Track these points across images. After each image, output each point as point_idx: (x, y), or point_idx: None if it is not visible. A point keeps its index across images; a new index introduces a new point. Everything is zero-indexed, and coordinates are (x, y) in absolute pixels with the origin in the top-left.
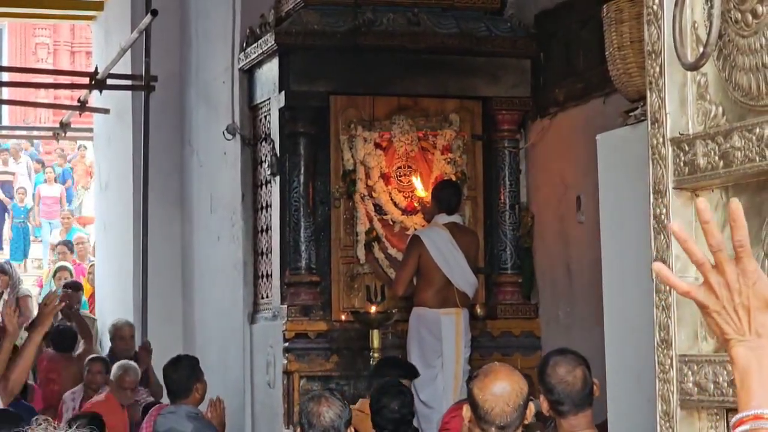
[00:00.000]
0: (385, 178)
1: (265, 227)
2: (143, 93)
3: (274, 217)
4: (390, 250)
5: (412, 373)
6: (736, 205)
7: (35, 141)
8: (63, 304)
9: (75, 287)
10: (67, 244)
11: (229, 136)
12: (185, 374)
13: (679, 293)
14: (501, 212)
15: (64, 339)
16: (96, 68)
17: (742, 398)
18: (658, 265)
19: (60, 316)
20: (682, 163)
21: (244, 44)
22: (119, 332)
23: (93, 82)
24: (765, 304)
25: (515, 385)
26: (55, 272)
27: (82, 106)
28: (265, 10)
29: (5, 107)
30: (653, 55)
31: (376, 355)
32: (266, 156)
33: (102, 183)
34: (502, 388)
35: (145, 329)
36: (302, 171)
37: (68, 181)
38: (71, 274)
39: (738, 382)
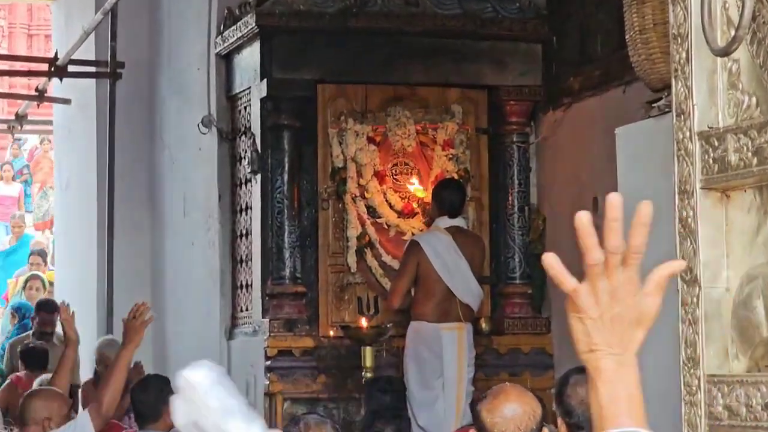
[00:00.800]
0: (379, 176)
1: (244, 232)
2: (108, 81)
3: (254, 221)
4: (384, 258)
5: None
6: (646, 205)
7: None
8: (152, 316)
9: (48, 308)
10: (41, 254)
11: (205, 130)
12: (154, 396)
13: (565, 290)
14: (509, 215)
15: (36, 358)
16: (56, 53)
17: (609, 413)
18: (549, 257)
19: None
20: (711, 160)
21: (222, 27)
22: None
23: (52, 69)
24: (640, 319)
25: (527, 407)
26: (26, 282)
27: (41, 96)
28: None
29: None
30: (679, 39)
31: (368, 374)
32: (246, 152)
33: (62, 182)
34: (513, 410)
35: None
36: (286, 168)
37: (26, 179)
38: (44, 285)
39: (603, 397)
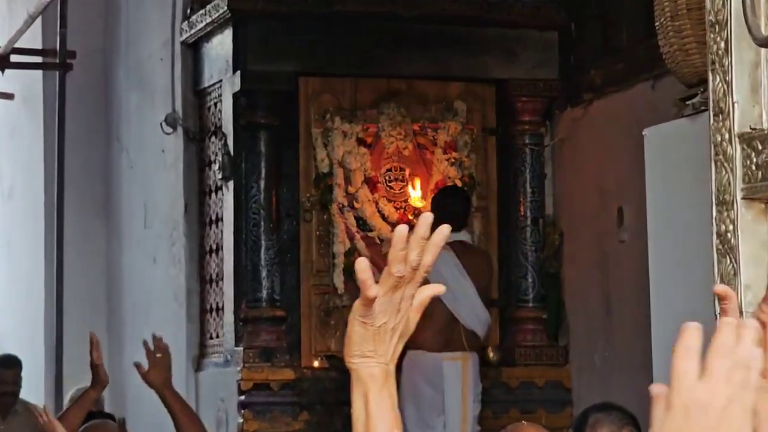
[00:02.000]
0: (370, 183)
1: (214, 247)
2: (57, 73)
3: (226, 234)
4: (376, 277)
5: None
6: (445, 228)
7: None
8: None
9: (7, 364)
10: None
11: (169, 129)
12: None
13: (367, 295)
14: (521, 228)
15: None
16: None
17: (377, 422)
18: (361, 261)
19: None
20: (753, 166)
21: (188, 11)
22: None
23: None
24: (405, 334)
25: None
26: None
27: None
28: None
29: None
30: (717, 27)
31: None
32: (216, 155)
33: (4, 189)
34: None
35: (59, 378)
36: (263, 174)
37: None
38: None
39: (372, 405)
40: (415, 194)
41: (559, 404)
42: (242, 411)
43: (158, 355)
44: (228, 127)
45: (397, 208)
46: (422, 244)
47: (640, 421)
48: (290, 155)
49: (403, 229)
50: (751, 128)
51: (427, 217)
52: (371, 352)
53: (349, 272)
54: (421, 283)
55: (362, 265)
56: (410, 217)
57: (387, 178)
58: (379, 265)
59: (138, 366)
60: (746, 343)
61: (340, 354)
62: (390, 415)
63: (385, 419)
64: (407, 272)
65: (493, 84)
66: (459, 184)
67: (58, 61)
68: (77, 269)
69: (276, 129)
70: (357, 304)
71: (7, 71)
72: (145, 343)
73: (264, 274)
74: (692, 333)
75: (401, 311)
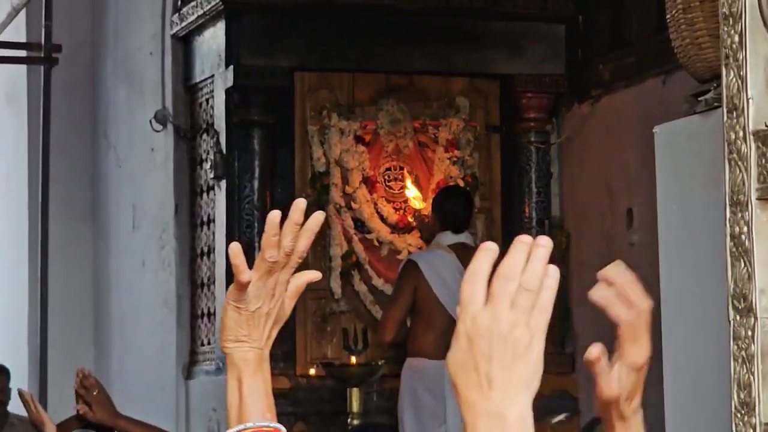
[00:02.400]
0: (369, 183)
1: (206, 249)
2: (43, 68)
3: (218, 236)
4: (375, 281)
5: None
6: (320, 214)
7: None
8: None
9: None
10: None
11: (159, 127)
12: None
13: (240, 280)
14: (525, 230)
15: None
16: None
17: (251, 406)
18: (234, 246)
19: None
20: None
21: (179, 2)
22: None
23: None
24: (280, 319)
25: None
26: None
27: None
28: None
29: None
30: (731, 20)
31: (355, 421)
32: (208, 153)
33: None
34: None
35: (43, 387)
36: (257, 174)
37: None
38: None
39: (246, 389)
40: (416, 194)
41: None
42: None
43: (95, 393)
44: (220, 124)
45: (396, 209)
46: (295, 230)
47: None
48: (285, 154)
49: (275, 214)
50: (766, 125)
51: (300, 203)
52: (245, 336)
53: (347, 276)
54: (423, 281)
55: (235, 250)
56: (410, 219)
57: (386, 177)
58: (377, 269)
59: (80, 411)
60: (535, 263)
61: (338, 361)
62: (263, 398)
63: (259, 403)
64: (281, 257)
65: (498, 79)
66: (461, 183)
67: (43, 55)
68: (62, 273)
69: (270, 126)
70: (231, 289)
71: None
72: (78, 391)
73: None
74: (483, 256)
75: (276, 296)
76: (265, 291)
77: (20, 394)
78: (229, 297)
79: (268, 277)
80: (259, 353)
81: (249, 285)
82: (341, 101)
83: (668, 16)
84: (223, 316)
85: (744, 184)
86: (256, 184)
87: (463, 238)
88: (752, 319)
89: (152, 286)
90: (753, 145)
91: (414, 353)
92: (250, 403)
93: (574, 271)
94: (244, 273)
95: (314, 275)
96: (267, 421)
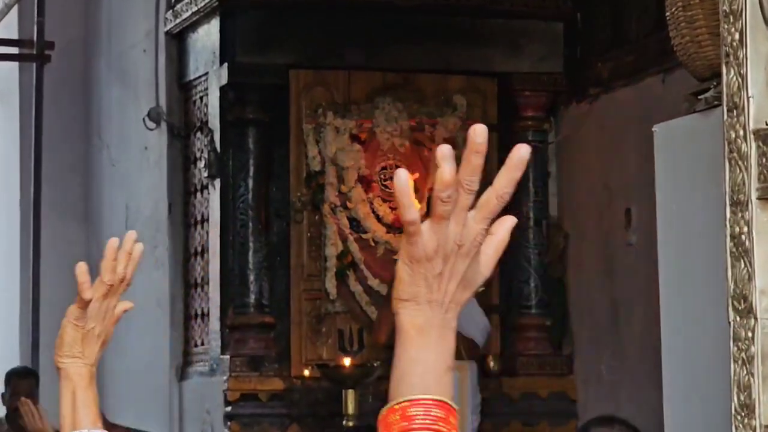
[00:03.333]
0: (364, 182)
1: (199, 249)
2: (35, 65)
3: (212, 236)
4: (371, 281)
5: None
6: (132, 234)
7: None
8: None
9: (22, 373)
10: None
11: (152, 125)
12: None
13: (84, 298)
14: (523, 230)
15: None
16: None
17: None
18: (80, 265)
19: None
20: None
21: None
22: None
23: None
24: (106, 344)
25: None
26: None
27: None
28: None
29: None
30: (731, 17)
31: (350, 423)
32: (202, 152)
33: None
34: None
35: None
36: (251, 173)
37: None
38: None
39: (77, 398)
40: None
41: (564, 416)
42: (229, 423)
43: (39, 419)
44: (215, 122)
45: (392, 209)
46: (128, 258)
47: None
48: (280, 152)
49: (113, 241)
50: (766, 124)
51: (131, 234)
52: (80, 353)
53: (342, 276)
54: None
55: (82, 269)
56: None
57: (382, 176)
58: (372, 269)
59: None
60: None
61: (332, 363)
62: (94, 410)
63: (90, 413)
64: (116, 282)
65: (495, 78)
66: None
67: (35, 52)
68: (55, 273)
69: (265, 124)
70: (72, 307)
71: None
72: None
73: (252, 278)
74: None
75: (106, 320)
76: (99, 313)
77: (20, 404)
78: (70, 315)
79: (104, 299)
80: (91, 369)
81: (90, 304)
82: (337, 99)
83: (668, 14)
84: (62, 333)
85: (744, 183)
86: (250, 183)
87: None
88: (752, 320)
89: (145, 286)
90: (753, 145)
91: None
92: (83, 414)
93: (572, 272)
94: (87, 291)
95: (128, 305)
96: (98, 429)
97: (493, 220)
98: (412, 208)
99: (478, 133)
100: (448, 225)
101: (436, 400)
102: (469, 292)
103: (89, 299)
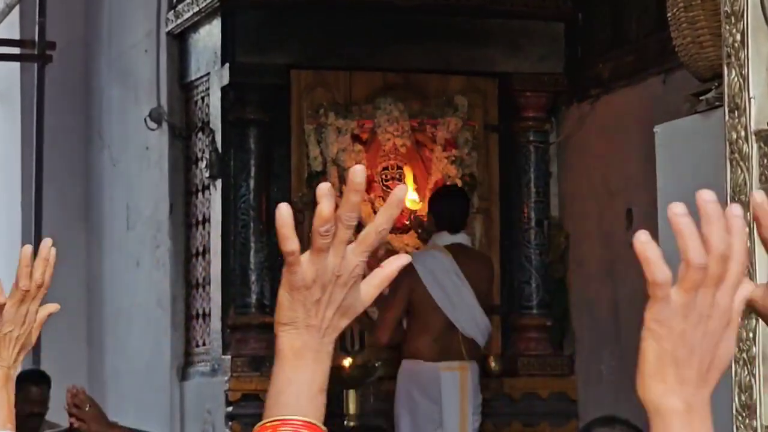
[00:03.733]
0: (366, 182)
1: (201, 250)
2: (36, 66)
3: (213, 236)
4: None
5: None
6: (48, 241)
7: None
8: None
9: (34, 379)
10: None
11: (154, 125)
12: None
13: None
14: (524, 230)
15: None
16: None
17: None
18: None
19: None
20: None
21: (175, 0)
22: None
23: None
24: (26, 347)
25: None
26: None
27: None
28: None
29: None
30: (733, 18)
31: (351, 423)
32: (203, 152)
33: None
34: None
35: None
36: (253, 173)
37: None
38: None
39: None
40: (413, 194)
41: (564, 417)
42: (230, 423)
43: (87, 408)
44: (216, 122)
45: None
46: (45, 264)
47: None
48: (281, 153)
49: (27, 249)
50: None
51: (47, 241)
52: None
53: None
54: (419, 283)
55: (25, 253)
56: (405, 222)
57: (383, 177)
58: (373, 269)
59: (75, 425)
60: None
61: (334, 363)
62: (6, 411)
63: (2, 414)
64: (33, 288)
65: (496, 78)
66: (459, 183)
67: (36, 52)
68: (56, 274)
69: (266, 125)
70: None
71: None
72: (70, 411)
73: (253, 278)
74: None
75: (26, 324)
76: (17, 317)
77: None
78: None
79: (20, 304)
80: (6, 372)
81: (5, 308)
82: (338, 99)
83: (669, 15)
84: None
85: (746, 183)
86: (251, 183)
87: (460, 238)
88: (753, 321)
89: (146, 287)
90: (755, 145)
91: (409, 355)
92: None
93: (573, 272)
94: (0, 296)
95: (54, 308)
96: (7, 430)
97: (391, 254)
98: (291, 239)
99: (357, 173)
100: (327, 257)
101: (305, 422)
102: (348, 319)
103: (2, 303)
